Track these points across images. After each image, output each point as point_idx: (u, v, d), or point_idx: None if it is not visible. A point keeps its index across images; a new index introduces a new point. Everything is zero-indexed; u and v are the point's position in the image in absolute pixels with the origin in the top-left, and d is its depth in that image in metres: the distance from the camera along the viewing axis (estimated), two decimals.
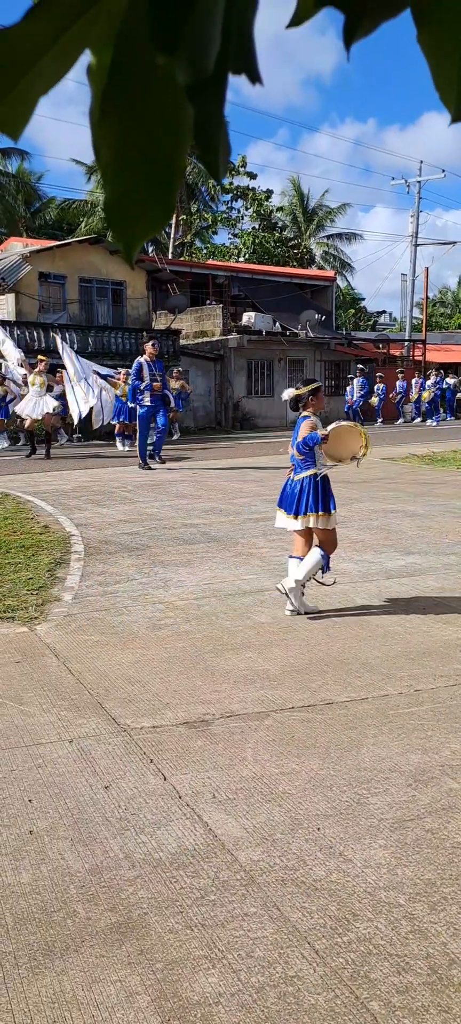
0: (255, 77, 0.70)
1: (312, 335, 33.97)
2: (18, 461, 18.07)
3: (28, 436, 19.37)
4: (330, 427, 6.23)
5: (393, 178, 42.75)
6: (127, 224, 0.73)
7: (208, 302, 34.24)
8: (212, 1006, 2.25)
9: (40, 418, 18.50)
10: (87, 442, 22.38)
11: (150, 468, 14.94)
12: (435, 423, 31.81)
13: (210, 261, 40.76)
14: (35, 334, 24.90)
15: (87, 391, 19.11)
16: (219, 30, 0.66)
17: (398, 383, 34.36)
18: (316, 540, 6.18)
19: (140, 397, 15.07)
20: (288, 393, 6.44)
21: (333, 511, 6.07)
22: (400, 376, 34.51)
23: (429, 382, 33.24)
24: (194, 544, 8.58)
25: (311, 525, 6.09)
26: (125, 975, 2.38)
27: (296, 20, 0.71)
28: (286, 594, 6.08)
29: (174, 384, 23.62)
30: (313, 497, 6.03)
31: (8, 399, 21.92)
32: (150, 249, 40.04)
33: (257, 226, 43.49)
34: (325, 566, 6.13)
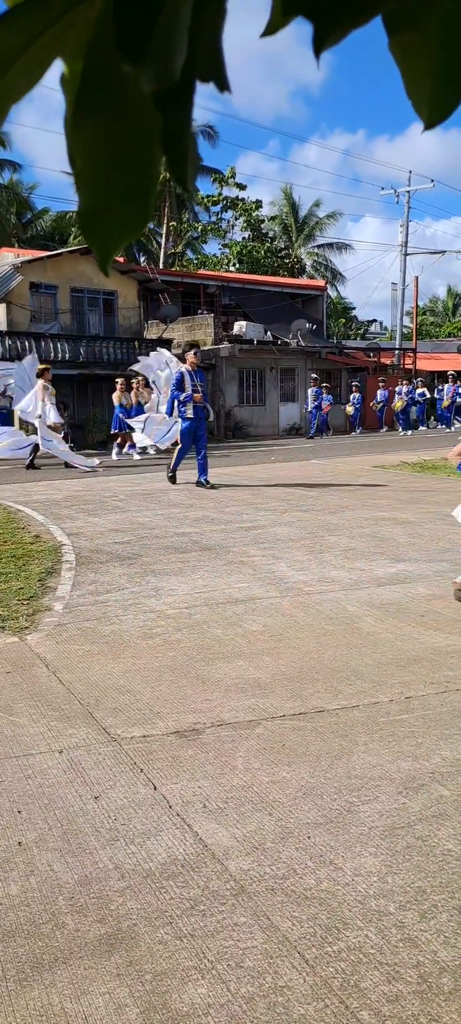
0: (223, 85, 0.70)
1: (303, 344, 34.07)
2: (9, 472, 18.03)
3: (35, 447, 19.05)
4: None
5: (382, 188, 43.09)
6: (102, 233, 0.73)
7: (199, 312, 34.30)
8: (201, 1017, 2.24)
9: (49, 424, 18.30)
10: (79, 452, 22.33)
11: (173, 481, 14.23)
12: (408, 433, 31.67)
13: (201, 271, 40.84)
14: (27, 344, 24.88)
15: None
16: (185, 39, 0.66)
17: (379, 392, 34.33)
18: None
19: (182, 409, 13.93)
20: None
21: None
22: (381, 385, 34.50)
23: (403, 390, 32.99)
24: (186, 553, 8.57)
25: None
26: (114, 987, 2.36)
27: (270, 29, 0.71)
28: None
29: (125, 397, 23.33)
30: None
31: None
32: (142, 259, 40.11)
33: (247, 236, 43.60)
34: None
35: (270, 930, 2.61)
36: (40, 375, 18.58)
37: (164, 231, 43.03)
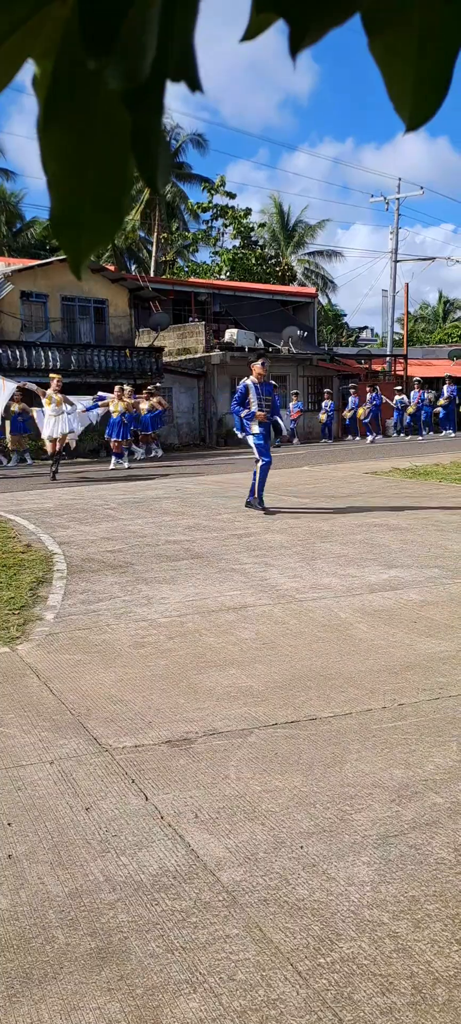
0: (195, 85, 0.68)
1: (294, 351, 34.12)
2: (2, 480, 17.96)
3: (54, 458, 18.64)
4: None
5: (372, 195, 43.14)
6: (74, 237, 0.71)
7: (190, 319, 34.33)
8: None
9: (59, 436, 18.17)
10: (72, 460, 22.30)
11: (268, 511, 11.60)
12: (372, 440, 31.40)
13: (192, 279, 40.89)
14: (18, 353, 24.83)
15: None
16: (154, 37, 0.64)
17: (350, 399, 34.07)
18: None
19: (248, 426, 11.78)
20: None
21: None
22: (352, 392, 34.24)
23: (368, 396, 32.54)
24: (177, 561, 8.54)
25: None
26: (104, 1002, 2.33)
27: (249, 34, 0.70)
28: None
29: (144, 404, 23.38)
30: None
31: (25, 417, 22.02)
32: (132, 267, 40.13)
33: (238, 244, 43.68)
34: None
35: (262, 942, 2.58)
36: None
37: (155, 239, 43.05)
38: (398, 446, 27.84)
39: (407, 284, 42.00)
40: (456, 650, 5.49)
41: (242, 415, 11.72)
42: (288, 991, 2.35)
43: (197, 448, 30.20)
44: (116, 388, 21.94)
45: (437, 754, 3.92)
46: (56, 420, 18.08)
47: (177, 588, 7.38)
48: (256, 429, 11.78)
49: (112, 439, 21.59)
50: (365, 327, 58.89)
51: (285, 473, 18.76)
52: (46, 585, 7.54)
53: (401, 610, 6.49)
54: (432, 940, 2.58)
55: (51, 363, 25.01)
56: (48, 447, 18.55)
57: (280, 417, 12.62)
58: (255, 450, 11.79)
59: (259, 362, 12.07)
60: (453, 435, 33.58)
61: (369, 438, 32.10)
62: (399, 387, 36.17)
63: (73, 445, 20.08)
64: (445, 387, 34.49)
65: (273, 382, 12.11)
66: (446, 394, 34.11)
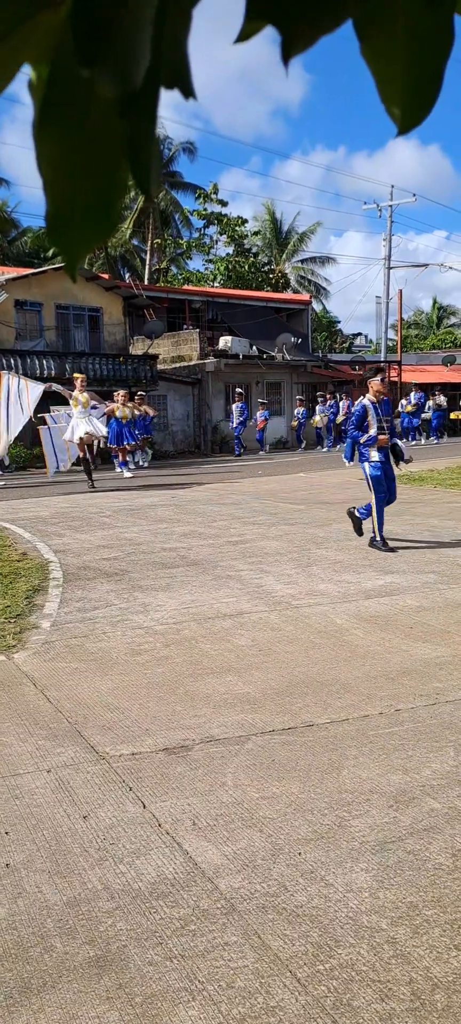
0: (188, 92, 0.69)
1: (289, 358, 34.15)
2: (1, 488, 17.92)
3: (85, 463, 17.69)
4: None
5: (365, 202, 43.32)
6: (69, 238, 0.72)
7: (185, 327, 34.36)
8: None
9: (84, 436, 17.31)
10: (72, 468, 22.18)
11: (391, 549, 9.35)
12: (326, 450, 30.74)
13: (186, 287, 40.94)
14: (12, 361, 24.81)
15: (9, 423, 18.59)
16: (147, 44, 0.65)
17: (318, 407, 32.70)
18: None
19: (365, 452, 9.69)
20: None
21: None
22: (324, 399, 32.89)
23: (325, 406, 31.64)
24: (173, 568, 8.54)
25: None
26: (103, 1011, 2.33)
27: (241, 36, 0.71)
28: None
29: (127, 410, 22.11)
30: None
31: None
32: (126, 276, 40.18)
33: (231, 251, 43.76)
34: None
35: (261, 949, 2.58)
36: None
37: (149, 247, 43.11)
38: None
39: (401, 291, 42.14)
40: (452, 655, 5.49)
41: (361, 440, 9.67)
42: (287, 998, 2.35)
43: (192, 455, 30.21)
44: (121, 393, 21.42)
45: (434, 759, 3.92)
46: (86, 421, 17.27)
47: (173, 595, 7.38)
48: (375, 456, 9.65)
49: (119, 445, 21.21)
50: (359, 333, 59.07)
51: (279, 479, 18.77)
52: (42, 593, 7.53)
53: (397, 616, 6.50)
54: (431, 946, 2.58)
55: (46, 371, 25.00)
56: (78, 451, 17.74)
57: (398, 439, 10.00)
58: (370, 483, 9.69)
59: (378, 377, 9.91)
60: (424, 443, 32.76)
61: (324, 448, 30.99)
62: (334, 392, 34.62)
63: (101, 444, 19.34)
64: (412, 394, 33.45)
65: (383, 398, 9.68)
66: (413, 400, 33.06)
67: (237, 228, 43.26)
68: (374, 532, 9.67)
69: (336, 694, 4.85)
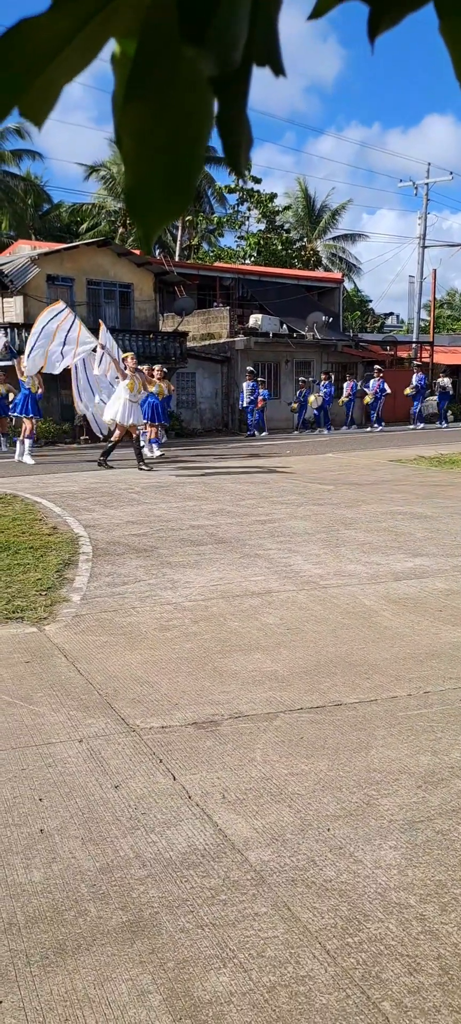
0: (278, 69, 0.70)
1: (319, 337, 33.95)
2: (26, 464, 18.08)
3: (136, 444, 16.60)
4: None
5: (401, 180, 42.81)
6: (146, 210, 0.74)
7: (215, 304, 34.27)
8: (224, 1005, 2.25)
9: (129, 425, 16.08)
10: (94, 444, 22.26)
11: None
12: (327, 432, 29.32)
13: (217, 263, 40.78)
14: None
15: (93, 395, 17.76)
16: (246, 23, 0.66)
17: (345, 384, 31.75)
18: None
19: None
20: None
21: None
22: (349, 376, 31.98)
23: (321, 383, 30.15)
24: (201, 545, 8.58)
25: None
26: (137, 974, 2.38)
27: (318, 11, 0.72)
28: None
29: (151, 387, 20.49)
30: None
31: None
32: (157, 252, 40.16)
33: (263, 228, 43.51)
34: None
35: (291, 920, 2.62)
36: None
37: (180, 223, 43.01)
38: (421, 435, 27.66)
39: (435, 270, 41.67)
40: None
41: None
42: (317, 968, 2.39)
43: (219, 433, 30.21)
44: (157, 368, 20.40)
45: None
46: (132, 408, 15.66)
47: (201, 572, 7.42)
48: None
49: (152, 422, 19.99)
50: (391, 313, 58.43)
51: (309, 460, 18.73)
52: (72, 567, 7.62)
53: (426, 598, 6.49)
54: (459, 923, 2.60)
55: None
56: (116, 434, 16.24)
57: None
58: None
59: None
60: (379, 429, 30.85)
61: (325, 431, 29.55)
62: (328, 372, 33.23)
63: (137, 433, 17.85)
64: (413, 375, 31.69)
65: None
66: (414, 383, 31.42)
67: (269, 204, 42.98)
68: None
69: (364, 675, 4.87)
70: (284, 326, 33.43)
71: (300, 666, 5.04)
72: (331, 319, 36.07)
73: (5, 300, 26.25)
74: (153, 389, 19.27)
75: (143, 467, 16.02)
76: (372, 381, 31.44)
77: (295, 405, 30.94)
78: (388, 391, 30.94)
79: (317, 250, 47.79)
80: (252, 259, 42.10)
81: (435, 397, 33.74)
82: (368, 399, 31.34)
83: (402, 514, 10.47)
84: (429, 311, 45.07)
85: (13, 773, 3.66)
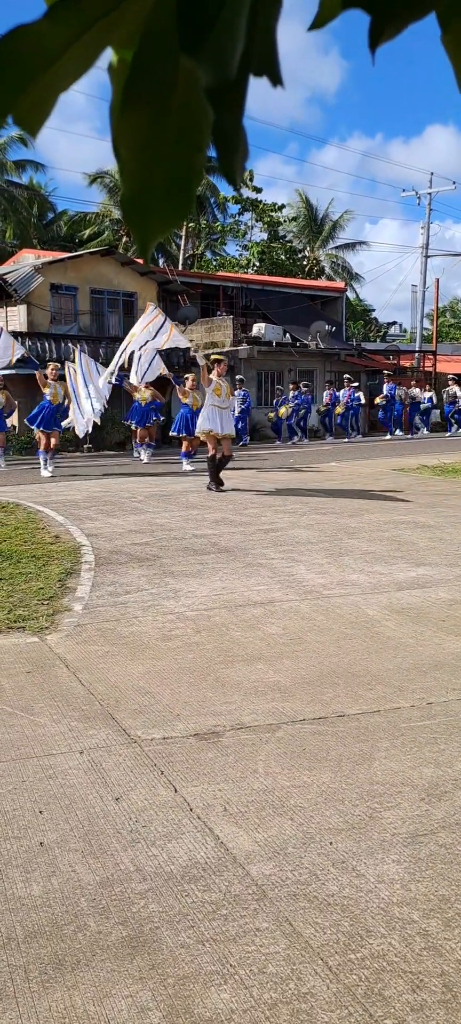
0: (277, 80, 0.69)
1: (322, 346, 33.96)
2: (27, 472, 18.09)
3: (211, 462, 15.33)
4: None
5: (403, 190, 42.85)
6: (144, 220, 0.73)
7: (218, 313, 34.30)
8: (224, 1023, 2.23)
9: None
10: (98, 452, 22.29)
11: None
12: (293, 441, 28.24)
13: (220, 272, 40.85)
14: (47, 345, 25.01)
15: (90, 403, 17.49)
16: (243, 32, 0.65)
17: (325, 393, 30.96)
18: None
19: None
20: None
21: None
22: (327, 385, 31.16)
23: (291, 394, 28.75)
24: (204, 555, 8.56)
25: None
26: (136, 990, 2.36)
27: (319, 22, 0.70)
28: None
29: (144, 393, 20.08)
30: None
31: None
32: (161, 260, 40.23)
33: (266, 237, 43.58)
34: None
35: (293, 936, 2.59)
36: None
37: (183, 233, 43.10)
38: (423, 443, 27.62)
39: (438, 279, 41.69)
40: None
41: None
42: (319, 985, 2.36)
43: None
44: (190, 378, 19.25)
45: None
46: (223, 415, 14.37)
47: (204, 582, 7.40)
48: None
49: (138, 426, 19.92)
50: (394, 322, 58.51)
51: (311, 468, 18.71)
52: (74, 576, 7.60)
53: (429, 608, 6.46)
54: None
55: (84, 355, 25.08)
56: (210, 448, 14.69)
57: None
58: None
59: None
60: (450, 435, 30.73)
61: (291, 440, 28.43)
62: (303, 383, 32.47)
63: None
64: (384, 385, 31.20)
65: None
66: (384, 392, 30.82)
67: (272, 214, 43.06)
68: None
69: (367, 685, 4.84)
70: (287, 335, 33.45)
71: (303, 676, 5.01)
72: (334, 328, 36.09)
73: (9, 309, 26.30)
74: (187, 400, 18.35)
75: (213, 488, 13.64)
76: (343, 391, 30.60)
77: (272, 415, 30.25)
78: (363, 401, 30.72)
79: (320, 259, 47.86)
80: (255, 268, 42.16)
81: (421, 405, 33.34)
82: (339, 409, 30.36)
83: (405, 523, 10.44)
84: (432, 320, 45.08)
85: (13, 785, 3.63)
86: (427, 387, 34.26)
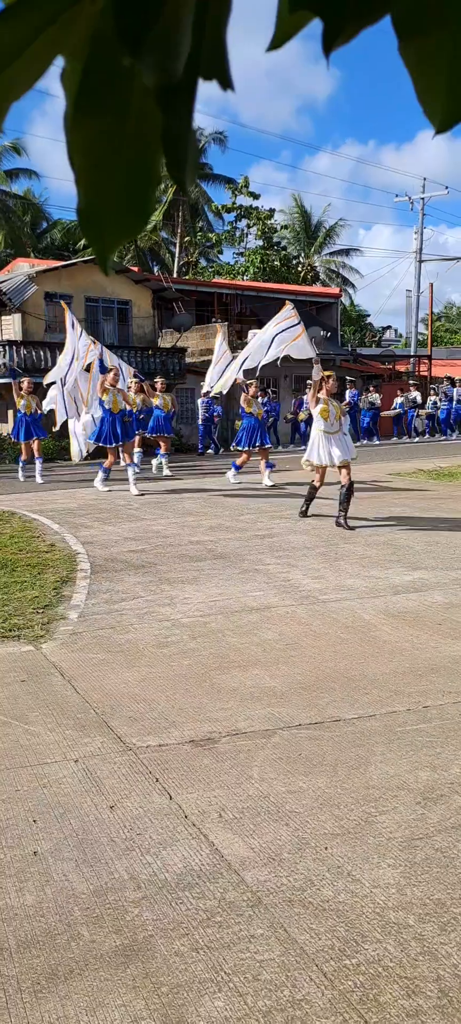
0: (226, 83, 0.68)
1: (317, 352, 33.97)
2: (23, 482, 18.04)
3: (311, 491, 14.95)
4: None
5: (397, 195, 42.89)
6: (101, 231, 0.71)
7: (213, 320, 34.32)
8: None
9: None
10: (94, 460, 22.10)
11: None
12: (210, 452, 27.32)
13: (215, 279, 40.90)
14: (42, 353, 25.00)
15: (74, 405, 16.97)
16: (189, 33, 0.64)
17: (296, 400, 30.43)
18: None
19: None
20: None
21: None
22: (260, 394, 30.89)
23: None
24: (200, 561, 8.55)
25: None
26: (130, 999, 2.34)
27: (276, 42, 0.70)
28: None
29: (155, 400, 19.00)
30: None
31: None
32: (155, 268, 40.27)
33: (261, 244, 43.63)
34: None
35: (287, 942, 2.58)
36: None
37: (178, 240, 43.16)
38: (421, 448, 27.62)
39: (432, 284, 41.74)
40: None
41: None
42: (313, 992, 2.35)
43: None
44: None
45: None
46: (333, 441, 11.83)
47: (200, 588, 7.39)
48: None
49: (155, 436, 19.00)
50: (388, 327, 58.54)
51: (303, 474, 18.68)
52: (70, 584, 7.58)
53: (425, 612, 6.45)
54: (458, 943, 2.56)
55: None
56: (316, 479, 12.59)
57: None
58: None
59: None
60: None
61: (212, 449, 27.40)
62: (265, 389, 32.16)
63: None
64: (346, 391, 30.09)
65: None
66: (347, 399, 29.37)
67: (267, 221, 43.12)
68: None
69: (363, 690, 4.83)
70: None
71: (299, 682, 5.00)
72: (329, 334, 36.12)
73: (4, 318, 26.30)
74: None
75: (342, 523, 10.65)
76: (305, 398, 30.41)
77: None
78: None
79: (315, 265, 47.93)
80: (251, 275, 42.21)
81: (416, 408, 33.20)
82: (302, 417, 29.53)
83: (401, 527, 10.44)
84: (427, 325, 45.16)
85: (7, 794, 3.61)
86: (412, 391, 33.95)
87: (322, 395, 11.28)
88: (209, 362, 31.64)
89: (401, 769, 3.78)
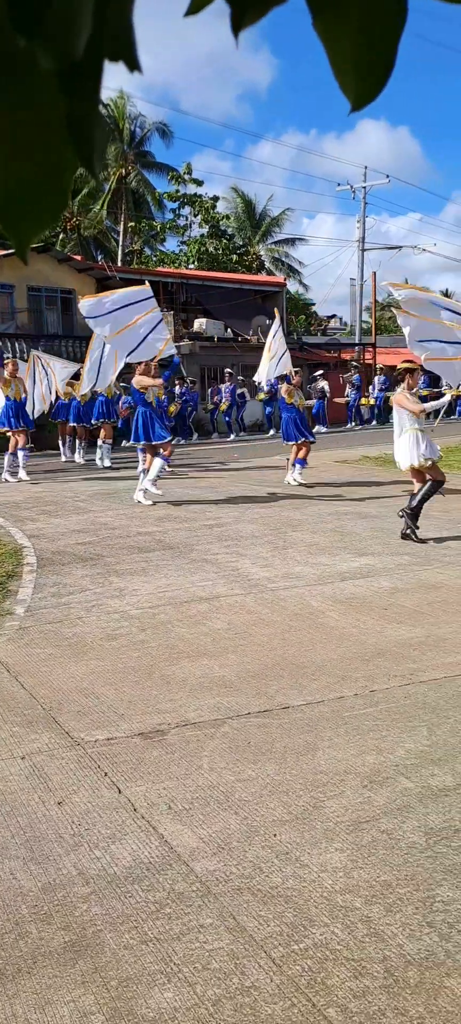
0: (133, 65, 0.67)
1: (264, 340, 34.04)
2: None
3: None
4: None
5: (339, 184, 43.12)
6: (16, 220, 0.70)
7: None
8: (168, 1022, 2.22)
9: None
10: (40, 453, 21.82)
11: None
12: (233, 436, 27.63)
13: (160, 268, 40.66)
14: None
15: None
16: (89, 13, 0.63)
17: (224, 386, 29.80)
18: None
19: None
20: None
21: None
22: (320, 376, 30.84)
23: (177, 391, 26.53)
24: (149, 552, 8.52)
25: None
26: (79, 995, 2.33)
27: (193, 8, 0.69)
28: None
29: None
30: None
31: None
32: (99, 257, 39.82)
33: (205, 233, 43.51)
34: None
35: (236, 930, 2.59)
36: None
37: (122, 229, 42.76)
38: (367, 435, 27.93)
39: (374, 273, 42.10)
40: (426, 636, 5.54)
41: None
42: (262, 978, 2.37)
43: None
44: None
45: (408, 739, 3.96)
46: (423, 439, 11.43)
47: (149, 580, 7.36)
48: None
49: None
50: (333, 315, 58.94)
51: (257, 463, 18.76)
52: (16, 579, 7.48)
53: (372, 597, 6.54)
54: (404, 923, 2.61)
55: (18, 354, 24.72)
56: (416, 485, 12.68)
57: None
58: None
59: None
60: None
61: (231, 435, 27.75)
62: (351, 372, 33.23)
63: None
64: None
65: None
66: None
67: (210, 211, 42.99)
68: None
69: (312, 676, 4.88)
70: (229, 330, 33.47)
71: (248, 670, 5.02)
72: (272, 322, 36.19)
73: None
74: (293, 400, 15.71)
75: (409, 532, 8.88)
76: (222, 387, 29.74)
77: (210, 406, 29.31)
78: (248, 399, 30.36)
79: (260, 254, 47.99)
80: (194, 264, 42.05)
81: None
82: (223, 407, 29.45)
83: (348, 514, 10.55)
84: (371, 313, 45.62)
85: None
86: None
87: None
88: None
89: (348, 754, 3.83)
